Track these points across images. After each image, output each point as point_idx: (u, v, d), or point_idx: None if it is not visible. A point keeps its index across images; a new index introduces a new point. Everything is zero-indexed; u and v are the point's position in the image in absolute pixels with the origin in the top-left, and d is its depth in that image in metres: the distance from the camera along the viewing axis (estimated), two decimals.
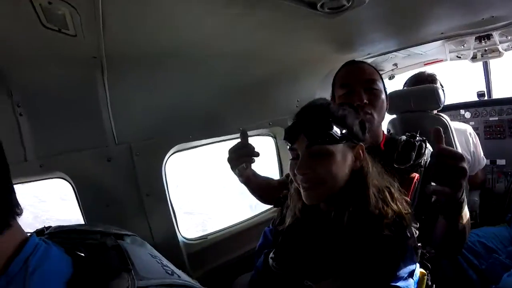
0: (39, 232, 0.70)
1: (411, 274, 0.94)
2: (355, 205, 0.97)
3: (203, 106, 1.59)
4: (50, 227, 0.72)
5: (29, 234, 0.58)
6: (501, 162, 2.87)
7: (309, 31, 1.35)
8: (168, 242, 1.57)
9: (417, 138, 1.39)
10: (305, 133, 0.95)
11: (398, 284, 0.90)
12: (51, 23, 0.87)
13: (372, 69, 1.42)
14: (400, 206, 0.99)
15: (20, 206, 0.56)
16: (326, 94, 2.03)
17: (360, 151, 1.01)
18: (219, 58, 1.41)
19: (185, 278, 0.68)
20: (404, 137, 1.41)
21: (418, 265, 1.00)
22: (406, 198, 1.05)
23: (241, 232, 1.85)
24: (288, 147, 1.01)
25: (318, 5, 1.01)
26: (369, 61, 2.00)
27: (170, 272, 0.66)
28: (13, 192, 0.55)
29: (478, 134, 2.84)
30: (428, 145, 1.40)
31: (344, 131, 0.96)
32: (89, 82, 1.22)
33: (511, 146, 2.86)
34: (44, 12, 0.82)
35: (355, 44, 1.70)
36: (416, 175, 1.27)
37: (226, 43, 1.30)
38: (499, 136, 2.93)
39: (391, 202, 0.98)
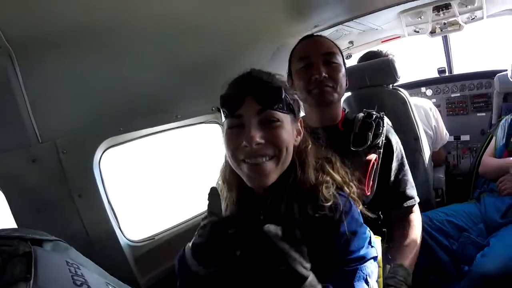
0: None
1: (368, 243, 0.92)
2: (293, 188, 0.90)
3: (135, 92, 1.46)
4: None
5: None
6: (465, 137, 2.96)
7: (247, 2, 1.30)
8: (109, 247, 1.46)
9: (374, 115, 1.37)
10: (256, 96, 0.85)
11: (360, 254, 0.88)
12: None
13: (331, 42, 1.40)
14: (341, 175, 0.96)
15: None
16: (279, 71, 2.02)
17: (300, 126, 0.96)
18: (149, 31, 1.29)
19: None
20: (361, 115, 1.38)
21: (371, 233, 0.97)
22: (347, 169, 1.01)
23: (190, 229, 1.75)
24: (224, 115, 0.89)
25: None
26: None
27: (79, 283, 0.66)
28: None
29: (440, 111, 2.92)
30: (386, 121, 1.39)
31: (291, 101, 0.90)
32: (0, 74, 1.10)
33: (475, 121, 2.95)
34: None
35: (301, 13, 1.65)
36: (374, 157, 1.26)
37: (155, 13, 1.20)
38: (462, 112, 3.02)
39: (331, 171, 0.94)
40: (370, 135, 1.30)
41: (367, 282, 0.87)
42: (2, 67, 1.09)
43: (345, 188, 0.95)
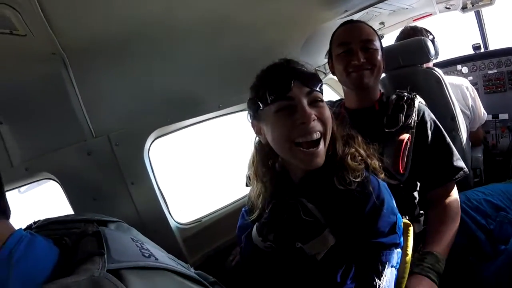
0: (28, 227, 0.75)
1: (392, 229, 0.97)
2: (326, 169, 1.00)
3: (178, 86, 1.58)
4: (38, 221, 0.77)
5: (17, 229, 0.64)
6: (503, 116, 2.87)
7: None
8: (160, 229, 1.59)
9: (405, 97, 1.42)
10: (302, 80, 0.94)
11: (380, 240, 0.93)
12: (1, 28, 0.93)
13: (370, 29, 1.48)
14: (363, 148, 1.05)
15: (9, 208, 0.64)
16: (308, 61, 2.06)
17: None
18: (187, 31, 1.40)
19: (164, 261, 0.73)
20: (394, 97, 1.43)
21: (400, 216, 1.02)
22: (368, 144, 1.09)
23: (235, 211, 1.86)
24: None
25: None
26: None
27: (147, 255, 0.71)
28: (4, 196, 0.64)
29: (477, 89, 2.84)
30: (418, 100, 1.43)
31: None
32: (56, 79, 1.23)
33: None
34: None
35: (329, 2, 1.69)
36: (406, 136, 1.32)
37: (192, 13, 1.29)
38: (499, 89, 2.92)
39: (354, 145, 1.03)
40: (402, 117, 1.37)
41: (380, 270, 0.94)
42: (57, 72, 1.21)
43: (368, 160, 1.03)
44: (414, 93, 1.46)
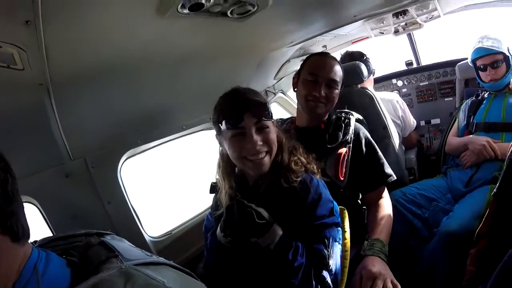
0: None
1: (331, 212, 1.27)
2: (275, 168, 1.27)
3: (148, 110, 1.75)
4: (36, 241, 0.80)
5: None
6: (435, 121, 3.31)
7: (232, 32, 1.59)
8: (137, 244, 1.70)
9: (343, 116, 1.76)
10: (253, 112, 1.19)
11: (323, 221, 1.23)
12: (0, 62, 1.01)
13: (339, 70, 1.76)
14: (304, 156, 1.33)
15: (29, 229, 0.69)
16: (259, 84, 2.37)
17: (276, 126, 1.32)
18: (158, 63, 1.57)
19: (163, 260, 0.81)
20: (334, 117, 1.77)
21: (336, 203, 1.33)
22: (307, 154, 1.38)
23: (202, 221, 1.99)
24: (226, 127, 1.20)
25: (228, 13, 1.26)
26: (296, 47, 2.30)
27: (149, 255, 0.79)
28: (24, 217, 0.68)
29: (411, 99, 3.30)
30: (354, 118, 1.77)
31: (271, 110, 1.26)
32: (38, 107, 1.32)
33: (443, 106, 3.30)
34: None
35: (276, 36, 1.96)
36: (344, 150, 1.65)
37: (162, 48, 1.47)
38: (430, 98, 3.37)
39: (297, 154, 1.32)
40: (341, 134, 1.70)
41: (326, 244, 1.23)
42: (41, 101, 1.29)
43: (308, 165, 1.33)
44: (351, 112, 1.80)
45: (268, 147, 1.23)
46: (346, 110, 1.83)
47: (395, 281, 1.37)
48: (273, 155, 1.26)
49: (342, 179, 1.62)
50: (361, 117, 1.88)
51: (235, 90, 1.27)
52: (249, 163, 1.23)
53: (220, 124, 1.23)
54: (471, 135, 2.31)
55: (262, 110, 1.22)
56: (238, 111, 1.19)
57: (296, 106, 1.90)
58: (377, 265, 1.42)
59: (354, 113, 1.83)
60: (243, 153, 1.21)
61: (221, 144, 1.33)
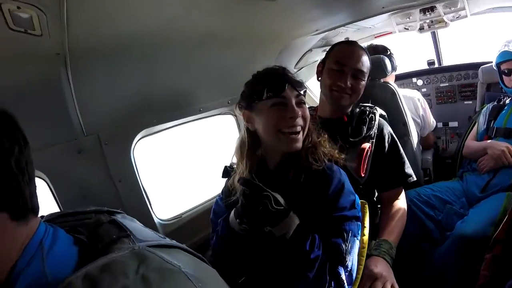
0: None
1: (352, 205, 1.23)
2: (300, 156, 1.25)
3: (165, 90, 1.73)
4: (43, 216, 0.76)
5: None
6: (453, 124, 3.25)
7: (256, 16, 1.56)
8: (144, 225, 1.71)
9: (367, 110, 1.70)
10: (294, 85, 1.20)
11: (344, 213, 1.19)
12: (18, 25, 0.96)
13: (367, 60, 1.69)
14: (328, 148, 1.30)
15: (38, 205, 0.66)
16: None
17: None
18: (178, 42, 1.54)
19: (177, 243, 0.77)
20: (357, 110, 1.70)
21: (358, 196, 1.29)
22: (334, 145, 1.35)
23: (210, 208, 1.99)
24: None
25: None
26: (319, 36, 2.24)
27: (162, 237, 0.76)
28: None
29: (430, 100, 3.22)
30: (379, 113, 1.71)
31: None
32: (54, 78, 1.28)
33: (462, 109, 3.23)
34: (12, 16, 0.92)
35: (299, 23, 1.92)
36: (367, 145, 1.60)
37: (184, 27, 1.44)
38: (450, 100, 3.30)
39: (321, 140, 1.30)
40: (364, 128, 1.64)
41: (345, 238, 1.18)
42: (56, 71, 1.26)
43: (333, 152, 1.30)
44: (375, 107, 1.74)
45: (304, 122, 1.22)
46: (370, 105, 1.77)
47: (396, 286, 1.34)
48: (305, 133, 1.25)
49: (363, 175, 1.58)
50: (384, 113, 1.82)
51: (273, 67, 1.27)
52: (284, 137, 1.20)
53: (255, 96, 1.21)
54: (491, 140, 2.26)
55: (301, 85, 1.23)
56: (281, 81, 1.19)
57: (314, 98, 1.85)
58: (380, 267, 1.38)
59: (378, 108, 1.77)
60: (280, 124, 1.19)
61: (249, 119, 1.28)
